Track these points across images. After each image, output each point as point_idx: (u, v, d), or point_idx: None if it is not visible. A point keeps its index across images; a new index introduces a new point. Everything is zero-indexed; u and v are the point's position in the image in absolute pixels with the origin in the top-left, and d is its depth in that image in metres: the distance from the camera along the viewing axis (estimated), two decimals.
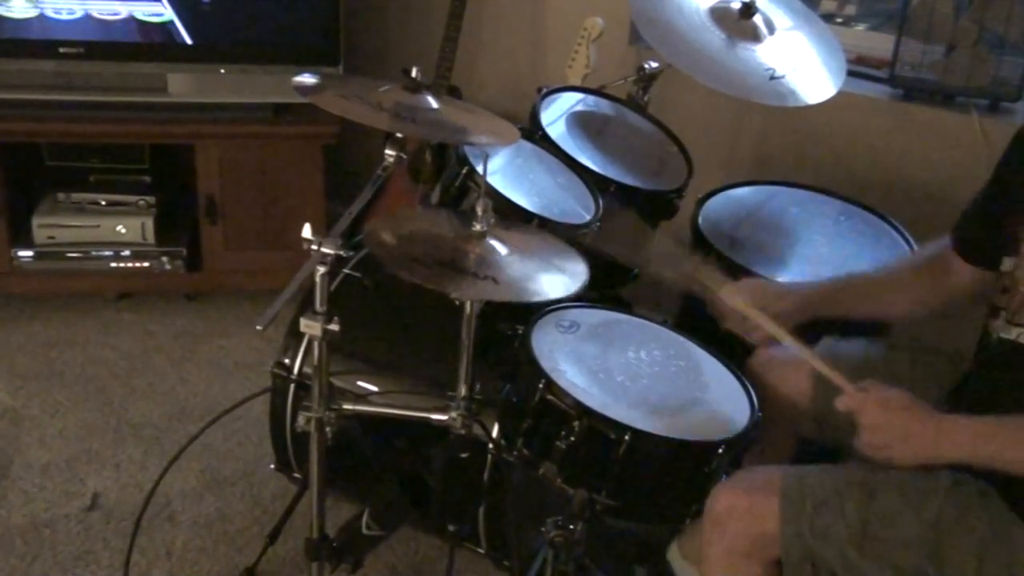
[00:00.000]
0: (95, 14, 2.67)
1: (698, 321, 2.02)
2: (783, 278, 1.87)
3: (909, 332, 1.82)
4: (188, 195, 2.90)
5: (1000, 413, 1.33)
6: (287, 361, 1.94)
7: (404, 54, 3.11)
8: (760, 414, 1.57)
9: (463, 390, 1.63)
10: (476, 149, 1.87)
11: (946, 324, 1.70)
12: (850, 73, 2.10)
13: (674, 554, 1.66)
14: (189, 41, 2.73)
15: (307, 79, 1.70)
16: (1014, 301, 1.41)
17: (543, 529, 1.56)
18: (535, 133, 2.05)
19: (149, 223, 2.87)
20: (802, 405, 1.65)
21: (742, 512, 1.40)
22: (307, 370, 1.87)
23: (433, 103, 1.66)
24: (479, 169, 1.54)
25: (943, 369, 1.59)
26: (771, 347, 1.68)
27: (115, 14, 2.68)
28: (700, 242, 1.97)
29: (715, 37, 1.98)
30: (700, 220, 2.01)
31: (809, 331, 1.62)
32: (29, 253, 2.83)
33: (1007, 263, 1.44)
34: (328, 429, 1.58)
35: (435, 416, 1.64)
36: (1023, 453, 1.30)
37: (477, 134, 1.73)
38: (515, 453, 1.59)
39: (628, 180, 2.05)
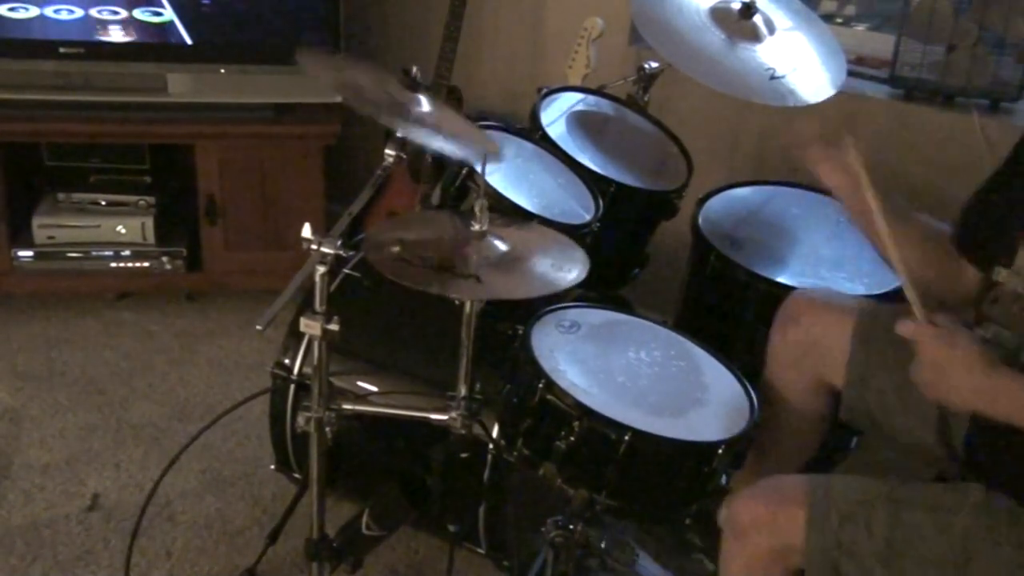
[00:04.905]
0: (95, 14, 2.67)
1: (698, 321, 2.03)
2: (783, 278, 1.87)
3: None
4: (188, 195, 2.90)
5: None
6: (287, 361, 1.94)
7: (404, 54, 3.11)
8: (760, 414, 1.57)
9: (463, 390, 1.63)
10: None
11: None
12: (850, 73, 2.10)
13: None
14: (189, 41, 2.73)
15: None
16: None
17: (543, 529, 1.56)
18: (535, 133, 2.05)
19: (149, 223, 2.87)
20: (836, 360, 1.59)
21: (765, 523, 1.37)
22: (307, 370, 1.87)
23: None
24: (479, 169, 1.54)
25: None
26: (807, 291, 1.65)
27: (115, 14, 2.68)
28: (700, 242, 1.97)
29: (715, 37, 1.98)
30: (700, 220, 2.01)
31: None
32: (29, 253, 2.83)
33: (1002, 273, 1.37)
34: (328, 429, 1.58)
35: (435, 416, 1.64)
36: None
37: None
38: (515, 453, 1.58)
39: (628, 180, 2.05)
